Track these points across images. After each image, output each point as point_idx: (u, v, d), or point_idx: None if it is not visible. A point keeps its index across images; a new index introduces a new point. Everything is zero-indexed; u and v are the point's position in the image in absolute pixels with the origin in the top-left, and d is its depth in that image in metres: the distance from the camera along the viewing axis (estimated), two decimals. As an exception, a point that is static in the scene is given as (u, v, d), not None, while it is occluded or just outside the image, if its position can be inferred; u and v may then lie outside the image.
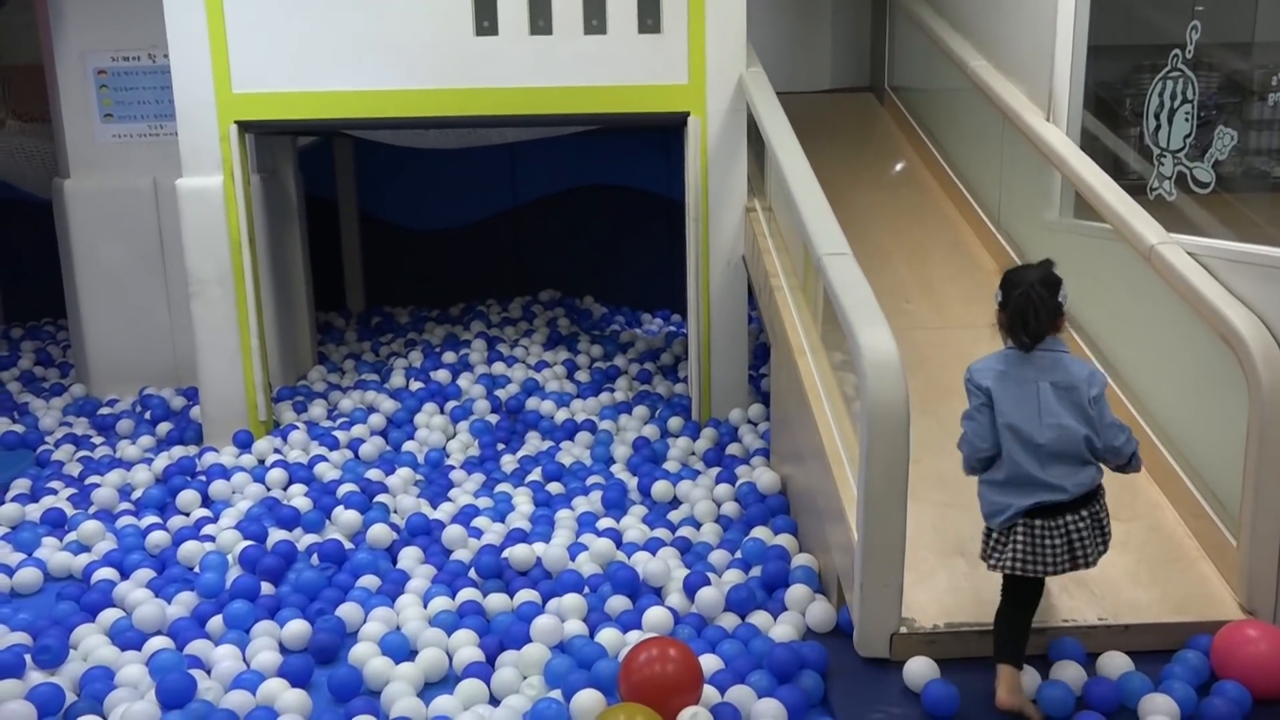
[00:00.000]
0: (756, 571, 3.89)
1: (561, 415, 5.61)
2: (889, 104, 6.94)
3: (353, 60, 5.14)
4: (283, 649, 3.56)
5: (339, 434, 5.33)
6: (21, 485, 5.01)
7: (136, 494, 4.89)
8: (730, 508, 4.48)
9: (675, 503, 4.68)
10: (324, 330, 7.17)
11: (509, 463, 5.20)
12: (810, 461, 3.93)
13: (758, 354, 6.16)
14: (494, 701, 3.25)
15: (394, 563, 4.18)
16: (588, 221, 7.75)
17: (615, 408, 5.70)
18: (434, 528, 4.38)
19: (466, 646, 3.45)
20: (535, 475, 4.99)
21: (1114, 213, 3.94)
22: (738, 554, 4.07)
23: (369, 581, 3.98)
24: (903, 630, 3.22)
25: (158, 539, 4.33)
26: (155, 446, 5.49)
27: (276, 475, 4.87)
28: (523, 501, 4.66)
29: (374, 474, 4.88)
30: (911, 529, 3.17)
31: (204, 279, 5.27)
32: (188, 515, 4.64)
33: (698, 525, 4.40)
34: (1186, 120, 4.02)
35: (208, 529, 4.42)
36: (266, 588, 3.93)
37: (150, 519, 4.56)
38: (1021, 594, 3.03)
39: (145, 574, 4.05)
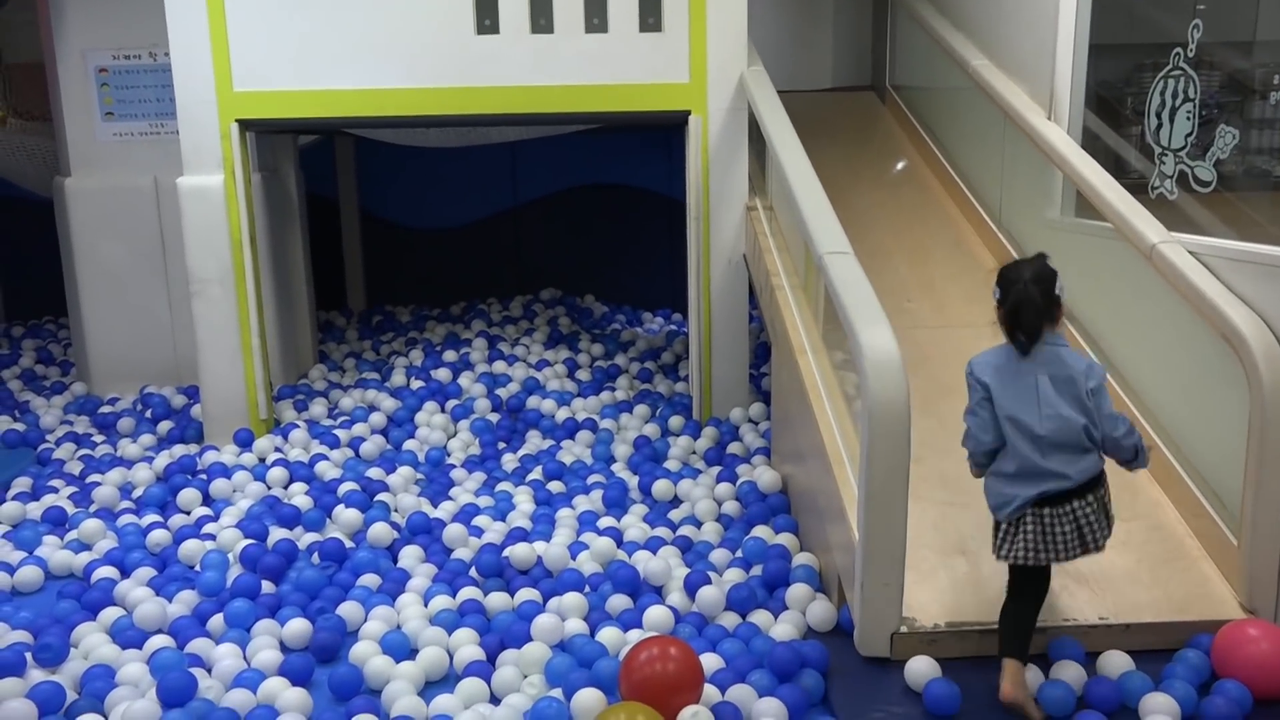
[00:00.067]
0: (757, 570, 3.89)
1: (562, 414, 5.61)
2: (890, 103, 6.93)
3: (354, 59, 5.14)
4: (283, 648, 3.56)
5: (340, 433, 5.33)
6: (22, 483, 5.01)
7: (137, 492, 4.89)
8: (731, 507, 4.48)
9: (676, 502, 4.68)
10: (325, 329, 7.18)
11: (510, 461, 5.20)
12: (811, 460, 3.93)
13: (758, 353, 6.16)
14: (495, 700, 3.25)
15: (395, 561, 4.18)
16: (589, 220, 7.75)
17: (616, 406, 5.69)
18: (435, 526, 4.38)
19: (467, 645, 3.45)
20: (536, 474, 4.99)
21: (1115, 211, 3.94)
22: (738, 553, 4.07)
23: (370, 580, 3.98)
24: (903, 629, 3.22)
25: (158, 537, 4.33)
26: (156, 445, 5.49)
27: (277, 474, 4.88)
28: (523, 500, 4.66)
29: (375, 473, 4.88)
30: (912, 528, 3.17)
31: (205, 277, 5.27)
32: (188, 514, 4.64)
33: (698, 524, 4.40)
34: (1188, 119, 4.02)
35: (208, 527, 4.43)
36: (267, 586, 3.93)
37: (151, 517, 4.56)
38: (1029, 587, 3.05)
39: (146, 572, 4.05)
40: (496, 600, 3.77)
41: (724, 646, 3.39)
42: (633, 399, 5.81)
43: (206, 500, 4.77)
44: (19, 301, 7.75)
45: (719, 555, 4.05)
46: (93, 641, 3.56)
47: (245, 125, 5.19)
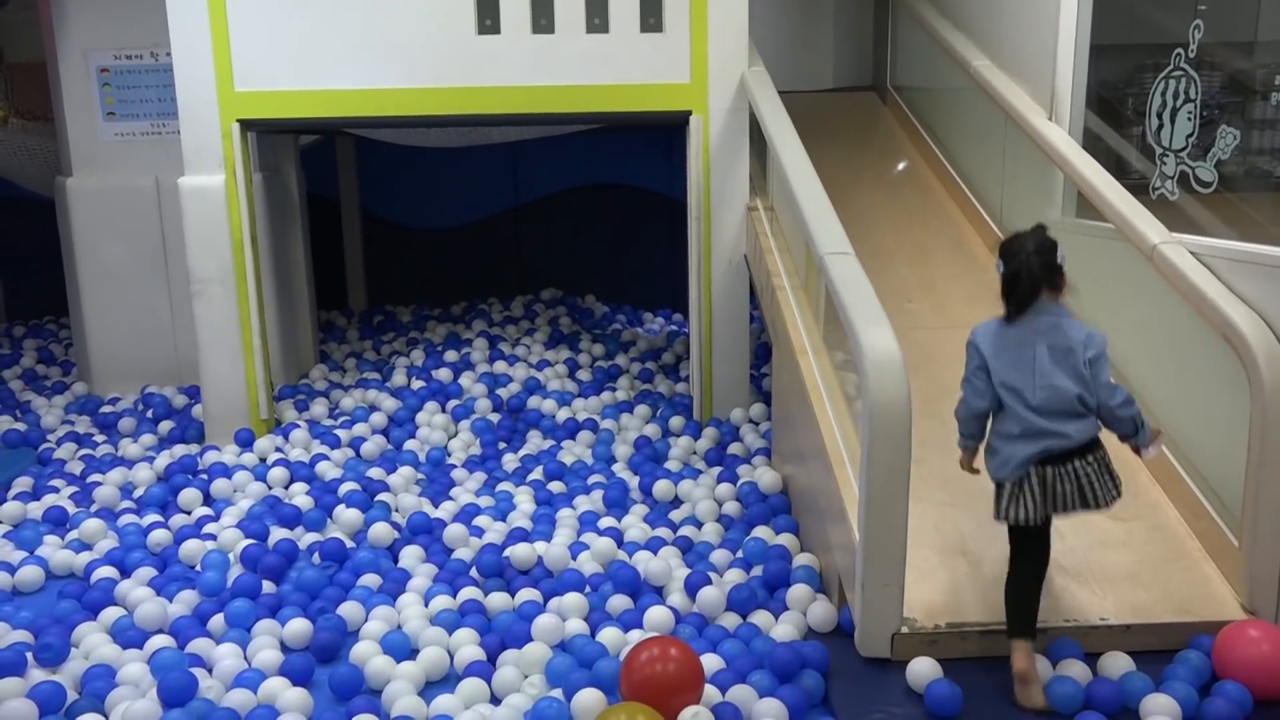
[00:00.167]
0: (758, 571, 3.89)
1: (563, 414, 5.61)
2: (891, 103, 6.93)
3: (355, 59, 5.14)
4: (284, 647, 3.56)
5: (340, 432, 5.33)
6: (23, 483, 5.01)
7: (138, 492, 4.89)
8: (732, 507, 4.48)
9: (677, 502, 4.68)
10: (326, 329, 7.18)
11: (510, 461, 5.20)
12: (812, 461, 3.93)
13: (759, 353, 6.16)
14: (495, 700, 3.25)
15: (395, 561, 4.18)
16: (590, 220, 7.75)
17: (617, 407, 5.69)
18: (435, 526, 4.38)
19: (468, 645, 3.45)
20: (537, 474, 4.99)
21: (1116, 212, 3.94)
22: (739, 553, 4.07)
23: (370, 580, 3.98)
24: (904, 630, 3.22)
25: (159, 537, 4.33)
26: (157, 445, 5.49)
27: (278, 474, 4.88)
28: (524, 500, 4.66)
29: (375, 472, 4.88)
30: (913, 529, 3.17)
31: (206, 277, 5.27)
32: (189, 514, 4.64)
33: (699, 524, 4.40)
34: (1189, 119, 4.02)
35: (209, 527, 4.43)
36: (268, 586, 3.93)
37: (152, 517, 4.56)
38: (1031, 547, 3.09)
39: (147, 572, 4.05)
40: (497, 600, 3.77)
41: (724, 647, 3.39)
42: (633, 399, 5.81)
43: (207, 500, 4.77)
44: (20, 301, 7.75)
45: (719, 556, 4.05)
46: (93, 641, 3.57)
47: (246, 125, 5.19)
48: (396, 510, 4.58)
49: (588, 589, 3.84)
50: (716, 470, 4.89)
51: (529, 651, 3.39)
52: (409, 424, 5.51)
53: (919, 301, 4.93)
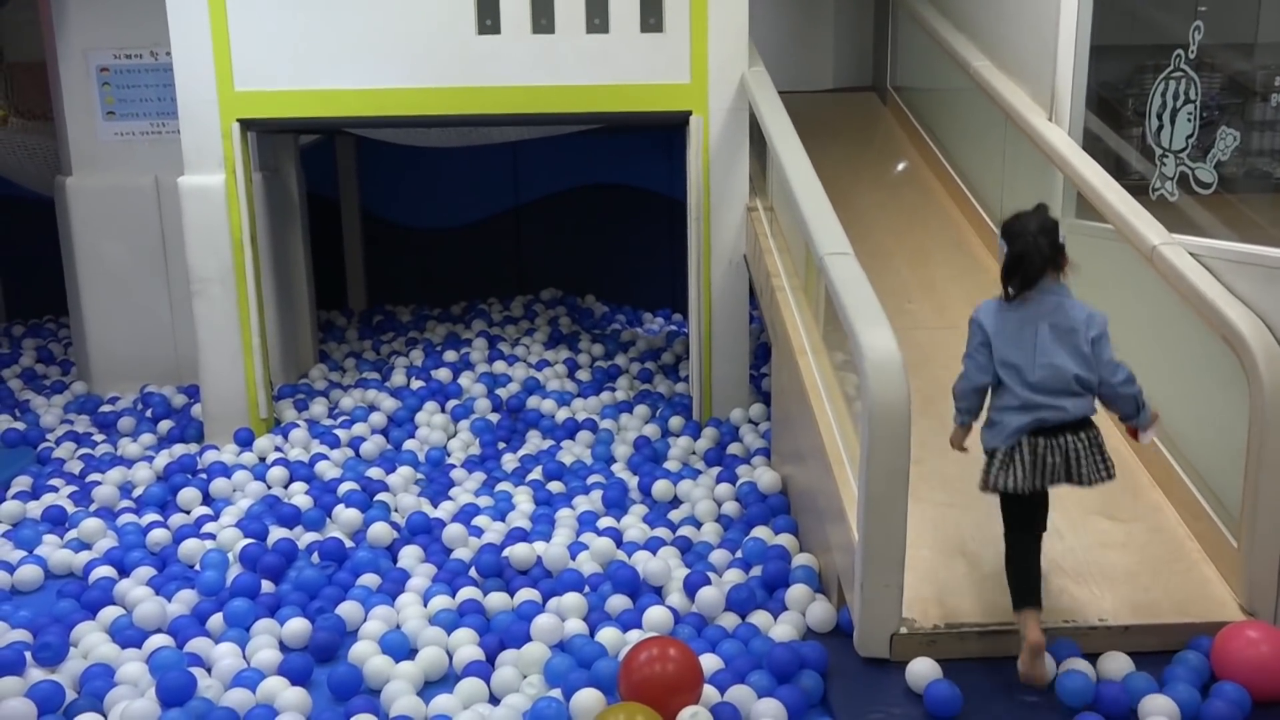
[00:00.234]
0: (757, 571, 3.89)
1: (562, 414, 5.61)
2: (891, 104, 6.93)
3: (355, 58, 5.14)
4: (283, 647, 3.56)
5: (340, 432, 5.33)
6: (22, 482, 5.01)
7: (137, 491, 4.89)
8: (731, 507, 4.48)
9: (676, 502, 4.68)
10: (325, 328, 7.18)
11: (510, 461, 5.20)
12: (811, 461, 3.93)
13: (759, 353, 6.16)
14: (494, 700, 3.25)
15: (394, 561, 4.18)
16: (589, 221, 7.75)
17: (616, 407, 5.69)
18: (434, 526, 4.38)
19: (466, 645, 3.45)
20: (536, 474, 4.99)
21: (1116, 213, 3.94)
22: (738, 553, 4.07)
23: (369, 580, 3.98)
24: (903, 630, 3.22)
25: (158, 537, 4.33)
26: (156, 444, 5.49)
27: (277, 473, 4.88)
28: (523, 500, 4.66)
29: (375, 472, 4.88)
30: (912, 529, 3.17)
31: (205, 277, 5.27)
32: (188, 513, 4.64)
33: (698, 525, 4.40)
34: (1189, 121, 4.02)
35: (208, 527, 4.43)
36: (267, 586, 3.93)
37: (151, 517, 4.56)
38: (1024, 517, 3.15)
39: (146, 572, 4.05)
40: (496, 600, 3.77)
41: (723, 647, 3.39)
42: (633, 399, 5.81)
43: (206, 499, 4.77)
44: (20, 300, 7.75)
45: (719, 556, 4.04)
46: (92, 641, 3.56)
47: (246, 125, 5.19)
48: (396, 510, 4.58)
49: (587, 589, 3.84)
50: (716, 470, 4.89)
51: (528, 651, 3.39)
52: (408, 424, 5.51)
53: (919, 302, 4.93)
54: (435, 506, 4.64)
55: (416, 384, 5.87)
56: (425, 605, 3.75)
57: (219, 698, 3.21)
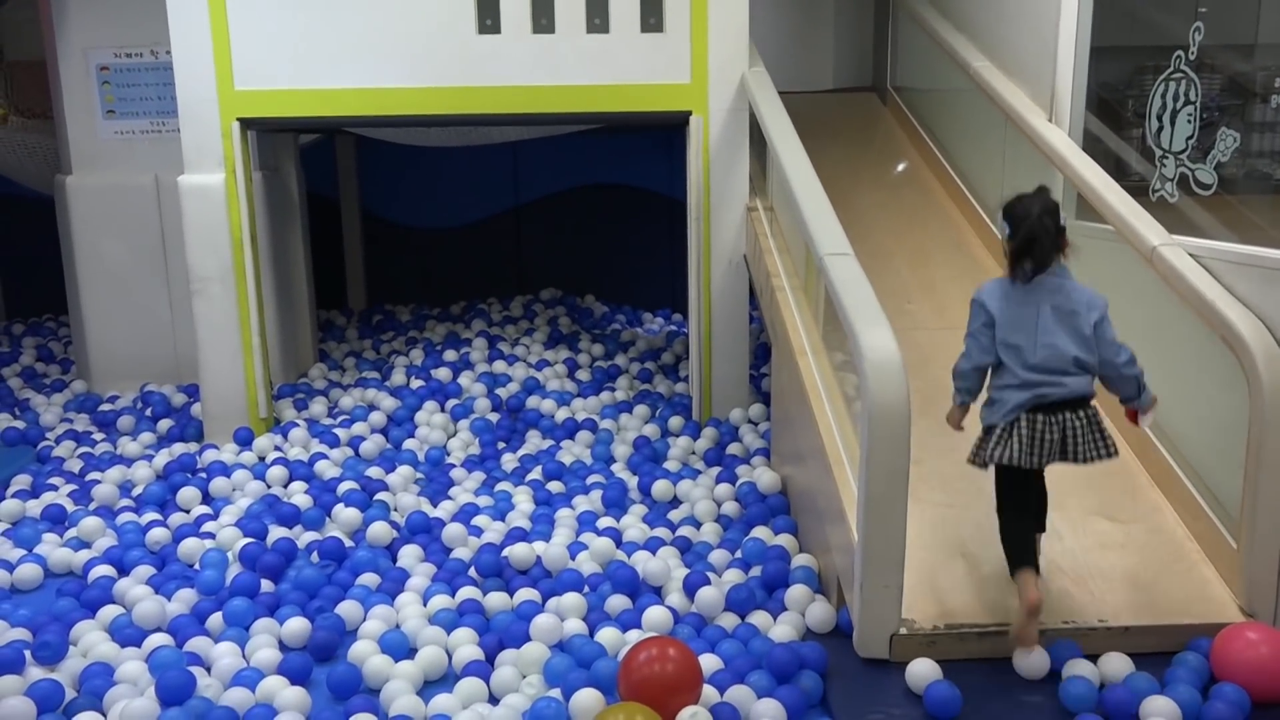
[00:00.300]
0: (756, 571, 3.89)
1: (562, 414, 5.61)
2: (891, 104, 6.93)
3: (355, 58, 5.14)
4: (282, 646, 3.56)
5: (339, 431, 5.33)
6: (22, 481, 5.01)
7: (137, 490, 4.89)
8: (730, 507, 4.48)
9: (675, 502, 4.68)
10: (325, 328, 7.18)
11: (509, 461, 5.20)
12: (811, 462, 3.93)
13: (759, 354, 6.16)
14: (493, 700, 3.25)
15: (394, 561, 4.18)
16: (589, 220, 7.75)
17: (616, 407, 5.69)
18: (434, 526, 4.38)
19: (466, 645, 3.45)
20: (535, 474, 4.99)
21: (1116, 214, 3.94)
22: (738, 554, 4.07)
23: (369, 579, 3.98)
24: (902, 631, 3.22)
25: (158, 536, 4.33)
26: (156, 443, 5.49)
27: (277, 472, 4.88)
28: (523, 500, 4.66)
29: (374, 472, 4.88)
30: (912, 530, 3.17)
31: (205, 276, 5.27)
32: (188, 512, 4.64)
33: (698, 525, 4.40)
34: (1189, 122, 4.02)
35: (208, 526, 4.43)
36: (266, 585, 3.93)
37: (150, 516, 4.56)
38: (1019, 497, 3.21)
39: (145, 571, 4.05)
40: (495, 600, 3.77)
41: (723, 647, 3.38)
42: (632, 399, 5.81)
43: (206, 499, 4.77)
44: (19, 299, 7.75)
45: (718, 556, 4.04)
46: (91, 639, 3.56)
47: (246, 124, 5.19)
48: (395, 509, 4.57)
49: (586, 589, 3.84)
50: (715, 470, 4.89)
51: (527, 651, 3.39)
52: (408, 423, 5.51)
53: (918, 303, 4.93)
54: (435, 506, 4.64)
55: (416, 383, 5.87)
56: (425, 605, 3.75)
57: (218, 697, 3.21)
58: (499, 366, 6.11)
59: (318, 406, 5.68)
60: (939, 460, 3.84)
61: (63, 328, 7.30)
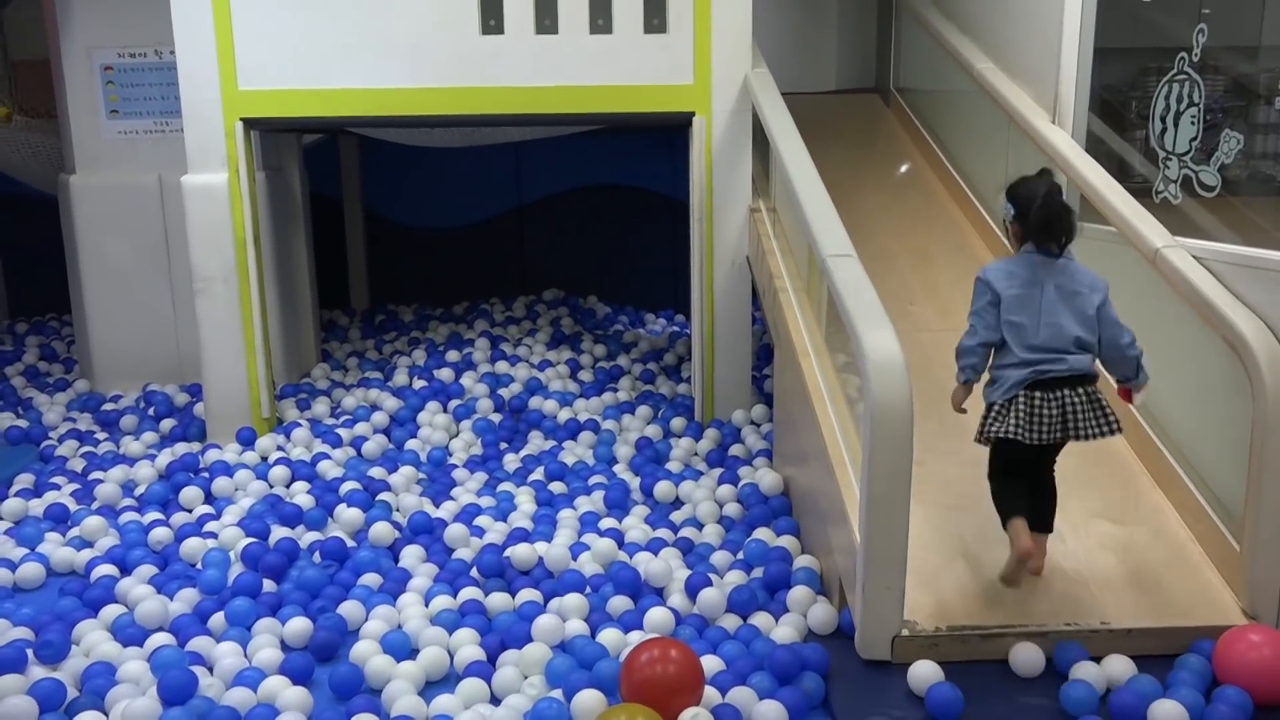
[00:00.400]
0: (758, 573, 3.89)
1: (564, 415, 5.61)
2: (894, 105, 6.93)
3: (359, 58, 5.15)
4: (284, 646, 3.56)
5: (342, 432, 5.34)
6: (25, 480, 5.01)
7: (139, 490, 4.89)
8: (732, 509, 4.48)
9: (677, 503, 4.68)
10: (328, 328, 7.18)
11: (511, 462, 5.20)
12: (813, 463, 3.93)
13: (761, 355, 6.16)
14: (495, 701, 3.25)
15: (396, 561, 4.18)
16: (592, 221, 7.75)
17: (618, 407, 5.69)
18: (436, 526, 4.38)
19: (468, 645, 3.45)
20: (538, 474, 4.99)
21: (1119, 215, 3.94)
22: (740, 555, 4.07)
23: (371, 579, 3.98)
24: (905, 633, 3.21)
25: (160, 535, 4.34)
26: (159, 443, 5.49)
27: (279, 472, 4.88)
28: (525, 501, 4.66)
29: (377, 472, 4.88)
30: (914, 531, 3.17)
31: (208, 276, 5.28)
32: (190, 512, 4.65)
33: (700, 526, 4.40)
34: (1192, 123, 4.01)
35: (210, 525, 4.43)
36: (268, 585, 3.93)
37: (153, 515, 4.57)
38: (1013, 466, 3.29)
39: (147, 570, 4.05)
40: (497, 600, 3.77)
41: (725, 649, 3.38)
42: (635, 400, 5.81)
43: (208, 498, 4.77)
44: (23, 298, 7.76)
45: (720, 557, 4.04)
46: (94, 639, 3.57)
47: (250, 124, 5.20)
48: (397, 510, 4.58)
49: (588, 590, 3.84)
50: (718, 472, 4.89)
51: (529, 652, 3.39)
52: (410, 423, 5.51)
53: (921, 304, 4.93)
54: (437, 506, 4.64)
55: (419, 384, 5.88)
56: (427, 605, 3.76)
57: (220, 696, 3.21)
58: (501, 367, 6.12)
59: (320, 406, 5.69)
60: (941, 462, 3.84)
61: (66, 327, 7.31)
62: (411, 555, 4.15)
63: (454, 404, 5.68)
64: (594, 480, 4.89)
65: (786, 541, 4.07)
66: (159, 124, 6.13)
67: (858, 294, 3.40)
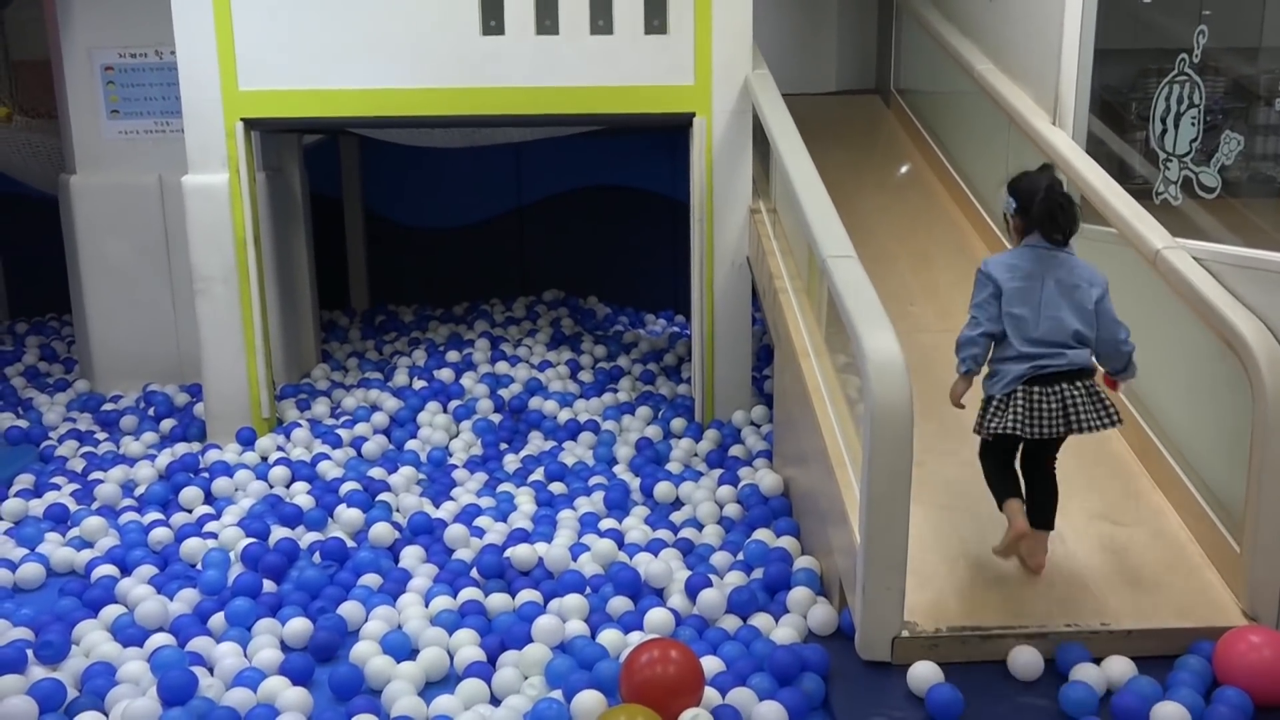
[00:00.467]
0: (758, 573, 3.89)
1: (564, 415, 5.61)
2: (895, 107, 6.93)
3: (359, 58, 5.15)
4: (284, 647, 3.56)
5: (342, 432, 5.34)
6: (25, 480, 5.01)
7: (139, 490, 4.89)
8: (732, 509, 4.48)
9: (677, 504, 4.68)
10: (328, 328, 7.18)
11: (511, 462, 5.20)
12: (813, 464, 3.93)
13: (761, 355, 6.16)
14: (495, 701, 3.25)
15: (396, 561, 4.18)
16: (592, 222, 7.75)
17: (618, 408, 5.69)
18: (436, 527, 4.38)
19: (468, 646, 3.45)
20: (538, 475, 4.99)
21: (1119, 217, 3.94)
22: (740, 556, 4.07)
23: (371, 580, 3.98)
24: (905, 634, 3.21)
25: (160, 535, 4.34)
26: (159, 443, 5.49)
27: (279, 473, 4.88)
28: (525, 501, 4.66)
29: (377, 472, 4.88)
30: (914, 532, 3.17)
31: (209, 276, 5.28)
32: (190, 512, 4.65)
33: (700, 527, 4.40)
34: (1193, 125, 4.02)
35: (210, 526, 4.43)
36: (268, 585, 3.93)
37: (153, 515, 4.57)
38: (1008, 457, 3.34)
39: (147, 570, 4.05)
40: (497, 601, 3.77)
41: (725, 649, 3.38)
42: (635, 401, 5.81)
43: (208, 499, 4.77)
44: (23, 298, 7.76)
45: (720, 558, 4.04)
46: (94, 639, 3.57)
47: (250, 124, 5.20)
48: (397, 510, 4.58)
49: (588, 590, 3.84)
50: (718, 472, 4.89)
51: (529, 652, 3.39)
52: (410, 424, 5.51)
53: (921, 305, 4.93)
54: (437, 507, 4.64)
55: (419, 384, 5.88)
56: (427, 606, 3.76)
57: (220, 697, 3.22)
58: (501, 367, 6.12)
59: (320, 407, 5.69)
60: (941, 462, 3.84)
61: (66, 327, 7.31)
62: (411, 556, 4.15)
63: (454, 404, 5.68)
64: (594, 481, 4.89)
65: (786, 542, 4.07)
66: (159, 124, 6.13)
67: (858, 295, 3.40)
